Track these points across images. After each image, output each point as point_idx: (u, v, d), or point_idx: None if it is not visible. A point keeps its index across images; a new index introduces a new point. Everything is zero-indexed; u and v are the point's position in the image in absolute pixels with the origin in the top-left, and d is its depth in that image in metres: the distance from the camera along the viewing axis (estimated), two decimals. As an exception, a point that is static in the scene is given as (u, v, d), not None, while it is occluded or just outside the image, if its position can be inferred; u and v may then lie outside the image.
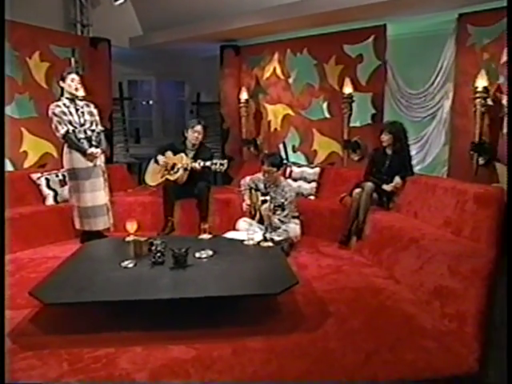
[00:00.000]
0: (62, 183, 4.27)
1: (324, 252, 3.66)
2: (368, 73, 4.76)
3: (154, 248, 2.67)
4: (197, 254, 2.81)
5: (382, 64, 4.66)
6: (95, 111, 3.91)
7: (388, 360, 1.97)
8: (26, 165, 4.69)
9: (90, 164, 3.74)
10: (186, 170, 4.15)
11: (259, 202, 3.73)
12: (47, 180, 4.22)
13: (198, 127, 4.25)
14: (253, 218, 3.80)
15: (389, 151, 3.94)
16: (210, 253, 2.85)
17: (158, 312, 2.37)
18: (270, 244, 3.15)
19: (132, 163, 6.16)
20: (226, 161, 4.09)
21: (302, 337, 2.16)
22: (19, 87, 4.59)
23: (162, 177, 4.26)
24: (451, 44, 4.25)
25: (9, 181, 4.11)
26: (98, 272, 2.54)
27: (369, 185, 3.75)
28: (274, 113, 5.53)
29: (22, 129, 4.65)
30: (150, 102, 7.31)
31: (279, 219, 3.60)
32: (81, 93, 3.87)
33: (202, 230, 3.33)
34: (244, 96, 5.46)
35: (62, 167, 4.41)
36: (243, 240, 3.20)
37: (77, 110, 3.75)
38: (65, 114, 3.67)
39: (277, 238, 3.43)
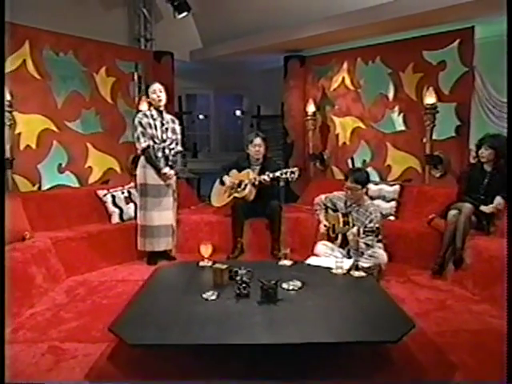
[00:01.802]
0: (128, 200, 4.11)
1: (417, 282, 3.23)
2: (452, 81, 4.31)
3: (238, 278, 2.39)
4: (284, 285, 2.49)
5: (470, 71, 4.21)
6: (178, 129, 3.74)
7: None
8: (91, 180, 4.62)
9: (162, 182, 3.56)
10: (254, 185, 3.89)
11: (340, 224, 3.38)
12: (113, 197, 4.07)
13: (258, 140, 3.99)
14: (331, 240, 3.46)
15: (488, 168, 3.47)
16: (299, 284, 2.52)
17: (250, 355, 2.06)
18: (363, 273, 2.78)
19: (191, 178, 6.00)
20: (296, 168, 3.78)
21: (431, 398, 1.77)
22: (86, 103, 4.55)
23: (229, 196, 4.02)
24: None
25: (75, 197, 4.04)
26: (179, 305, 2.27)
27: (468, 206, 3.29)
28: (343, 126, 5.18)
29: (88, 144, 4.59)
30: (201, 117, 7.18)
31: (365, 243, 3.21)
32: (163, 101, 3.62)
33: (283, 256, 3.04)
34: (311, 108, 5.15)
35: (126, 184, 4.31)
36: (330, 268, 2.86)
37: (162, 125, 3.58)
38: (150, 126, 3.52)
39: (365, 265, 3.04)
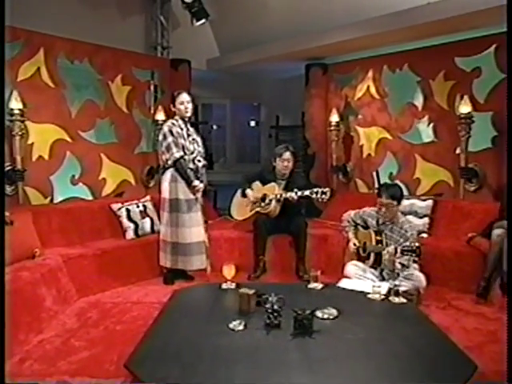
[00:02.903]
0: (143, 215, 3.90)
1: (460, 307, 2.93)
2: (488, 88, 4.04)
3: (268, 306, 2.13)
4: (318, 314, 2.23)
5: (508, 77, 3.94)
6: (201, 142, 3.54)
7: None
8: (104, 193, 4.43)
9: (192, 196, 3.35)
10: (278, 201, 3.65)
11: (373, 242, 3.11)
12: (128, 211, 3.86)
13: (287, 154, 3.76)
14: (362, 260, 3.18)
15: (534, 181, 3.19)
16: (335, 312, 2.26)
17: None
18: (403, 299, 2.50)
19: (207, 190, 5.77)
20: (328, 189, 3.52)
21: None
22: (101, 112, 4.38)
23: (251, 210, 3.78)
24: None
25: (88, 211, 3.84)
26: (203, 337, 2.02)
27: (514, 224, 3.00)
28: (368, 136, 4.93)
29: (102, 155, 4.41)
30: (214, 127, 7.01)
31: (401, 263, 2.92)
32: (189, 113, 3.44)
33: (312, 278, 2.78)
34: (335, 118, 4.92)
35: (141, 196, 4.11)
36: (365, 292, 2.59)
37: (188, 136, 3.39)
38: (180, 136, 3.32)
39: (402, 289, 2.76)
